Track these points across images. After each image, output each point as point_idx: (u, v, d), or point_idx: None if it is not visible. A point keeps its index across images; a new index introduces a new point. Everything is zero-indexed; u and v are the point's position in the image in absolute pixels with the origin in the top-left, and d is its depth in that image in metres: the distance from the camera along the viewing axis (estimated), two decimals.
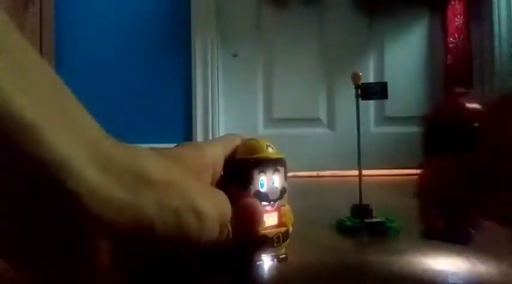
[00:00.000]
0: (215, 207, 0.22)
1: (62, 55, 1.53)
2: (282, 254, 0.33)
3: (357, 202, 0.59)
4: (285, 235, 0.33)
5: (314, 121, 1.71)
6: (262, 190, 0.31)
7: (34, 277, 0.18)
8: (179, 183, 0.21)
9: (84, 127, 0.18)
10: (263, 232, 0.30)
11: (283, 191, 0.32)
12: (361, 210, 0.57)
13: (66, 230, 0.16)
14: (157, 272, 0.20)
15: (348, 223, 0.57)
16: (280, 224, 0.32)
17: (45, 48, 1.40)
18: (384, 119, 1.66)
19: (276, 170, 0.32)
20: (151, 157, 0.20)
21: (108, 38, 1.60)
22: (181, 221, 0.19)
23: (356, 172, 0.60)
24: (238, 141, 0.32)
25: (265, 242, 0.31)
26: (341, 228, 0.57)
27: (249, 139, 0.33)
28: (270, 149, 0.32)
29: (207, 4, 1.62)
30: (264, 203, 0.31)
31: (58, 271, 0.17)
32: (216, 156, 0.28)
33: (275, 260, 0.32)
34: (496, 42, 1.64)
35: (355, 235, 0.54)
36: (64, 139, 0.16)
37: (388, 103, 1.63)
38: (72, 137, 0.17)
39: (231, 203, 0.25)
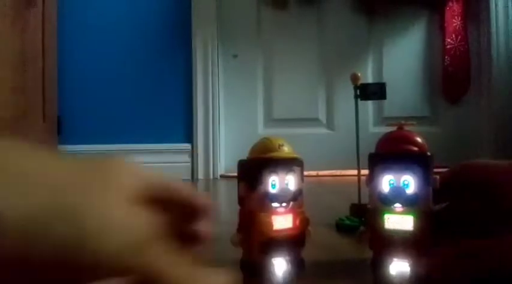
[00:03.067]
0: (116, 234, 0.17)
1: (64, 55, 1.53)
2: (297, 258, 0.30)
3: (356, 201, 0.60)
4: (299, 239, 0.30)
5: (313, 121, 1.72)
6: (274, 191, 0.29)
7: None
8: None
9: None
10: (273, 234, 0.28)
11: (297, 193, 0.30)
12: (360, 209, 0.58)
13: None
14: None
15: (347, 222, 0.58)
16: (295, 227, 0.30)
17: (48, 48, 1.41)
18: (383, 119, 1.67)
19: (291, 170, 0.30)
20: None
21: (109, 38, 1.60)
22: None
23: (355, 172, 0.60)
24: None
25: (273, 245, 0.29)
26: (340, 227, 0.58)
27: (262, 138, 0.31)
28: (284, 148, 0.30)
29: (207, 5, 1.63)
30: (275, 204, 0.29)
31: None
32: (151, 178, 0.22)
33: (289, 263, 0.30)
34: (494, 43, 1.65)
35: (354, 234, 0.55)
36: None
37: (386, 103, 1.64)
38: None
39: (240, 204, 0.24)
